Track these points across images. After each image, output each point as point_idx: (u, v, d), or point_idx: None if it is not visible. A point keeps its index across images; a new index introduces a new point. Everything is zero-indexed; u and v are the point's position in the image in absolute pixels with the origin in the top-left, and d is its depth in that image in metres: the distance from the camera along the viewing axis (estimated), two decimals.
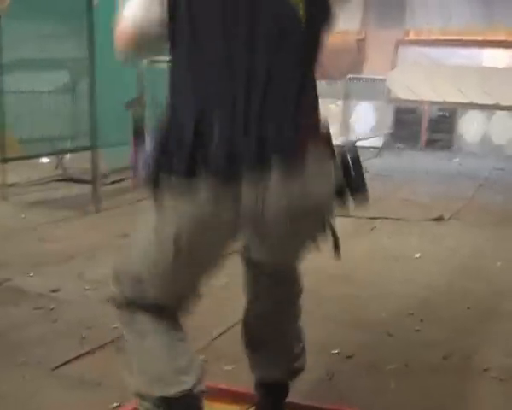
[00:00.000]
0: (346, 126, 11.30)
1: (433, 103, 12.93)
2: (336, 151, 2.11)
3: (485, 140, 13.43)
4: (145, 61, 6.35)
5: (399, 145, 13.70)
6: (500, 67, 11.96)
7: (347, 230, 6.15)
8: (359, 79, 14.87)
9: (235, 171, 1.84)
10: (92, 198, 7.02)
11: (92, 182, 7.08)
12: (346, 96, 11.35)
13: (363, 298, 4.28)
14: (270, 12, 1.90)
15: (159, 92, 6.38)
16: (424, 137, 14.05)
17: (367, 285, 4.56)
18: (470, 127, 13.58)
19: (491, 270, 4.96)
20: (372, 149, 12.36)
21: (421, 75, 11.75)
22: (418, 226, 6.35)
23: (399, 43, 12.75)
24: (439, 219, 6.53)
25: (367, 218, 6.55)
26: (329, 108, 14.12)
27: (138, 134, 1.82)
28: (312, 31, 1.97)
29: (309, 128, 1.96)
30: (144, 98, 6.16)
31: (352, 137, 11.82)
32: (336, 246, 2.17)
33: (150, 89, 6.61)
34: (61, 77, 9.29)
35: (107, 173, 7.82)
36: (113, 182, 8.10)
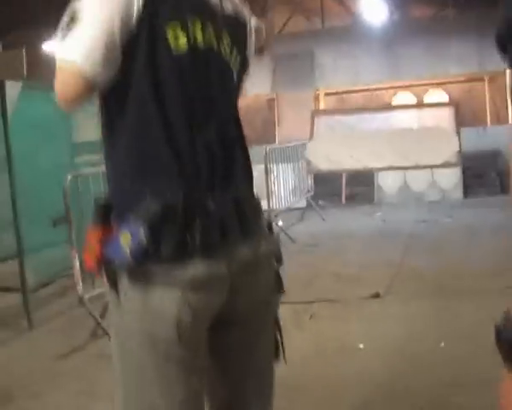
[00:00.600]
0: (268, 191, 11.30)
1: (353, 171, 13.15)
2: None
3: (405, 189, 13.70)
4: (69, 176, 6.24)
5: (321, 202, 13.82)
6: (412, 127, 12.26)
7: (286, 319, 6.16)
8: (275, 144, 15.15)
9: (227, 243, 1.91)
10: (24, 311, 6.83)
11: (22, 293, 6.88)
12: (267, 161, 11.38)
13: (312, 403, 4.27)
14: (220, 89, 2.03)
15: (85, 205, 6.38)
16: (344, 192, 14.25)
17: (316, 388, 4.56)
18: (388, 178, 13.88)
19: (435, 354, 5.00)
20: (295, 210, 12.48)
21: (338, 143, 11.96)
22: (355, 308, 6.38)
23: (315, 113, 12.96)
24: (376, 296, 6.59)
25: (304, 303, 6.59)
26: None
27: (104, 215, 1.70)
28: (238, 92, 2.18)
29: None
30: (71, 214, 6.03)
31: (276, 203, 11.91)
32: (281, 349, 2.22)
33: (76, 202, 6.49)
34: None
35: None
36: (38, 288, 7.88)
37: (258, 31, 2.67)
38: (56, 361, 5.52)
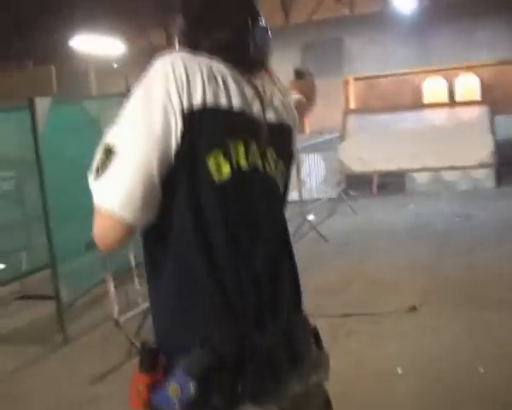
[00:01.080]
0: (299, 181, 11.25)
1: (386, 172, 13.02)
2: None
3: (436, 178, 13.52)
4: None
5: (352, 193, 13.74)
6: (445, 126, 12.05)
7: (323, 337, 6.11)
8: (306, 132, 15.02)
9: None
10: (58, 323, 6.84)
11: (56, 302, 6.89)
12: (298, 149, 11.31)
13: None
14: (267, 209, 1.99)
15: None
16: (376, 182, 14.11)
17: None
18: None
19: (475, 381, 4.92)
20: (326, 202, 12.40)
21: (370, 144, 11.81)
22: (393, 322, 6.30)
23: (347, 112, 12.81)
24: (412, 309, 6.51)
25: (340, 316, 6.54)
26: None
27: (152, 360, 1.65)
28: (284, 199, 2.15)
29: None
30: None
31: (307, 194, 11.85)
32: None
33: None
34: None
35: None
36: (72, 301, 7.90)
37: (298, 106, 2.61)
38: (92, 385, 5.52)
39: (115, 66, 14.30)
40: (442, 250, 8.85)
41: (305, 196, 11.60)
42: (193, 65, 1.85)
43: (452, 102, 14.72)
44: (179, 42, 2.02)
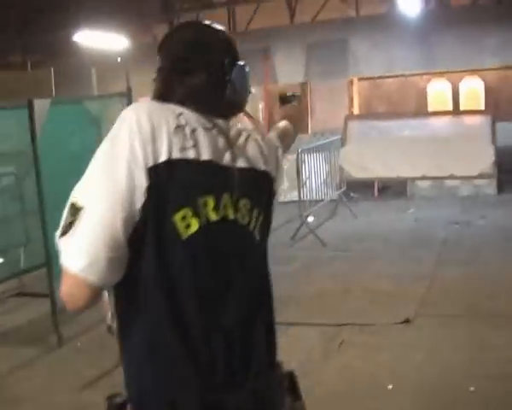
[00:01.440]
0: (298, 182, 11.23)
1: (386, 179, 12.98)
2: None
3: (438, 183, 13.46)
4: None
5: (353, 195, 13.71)
6: (448, 135, 11.97)
7: (315, 346, 6.12)
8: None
9: None
10: (52, 324, 6.84)
11: (51, 302, 6.88)
12: (298, 151, 11.28)
13: None
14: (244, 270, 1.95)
15: None
16: (377, 185, 14.07)
17: None
18: None
19: (464, 399, 4.91)
20: (327, 204, 12.38)
21: (371, 151, 11.75)
22: (386, 334, 6.29)
23: (348, 118, 12.76)
24: (406, 321, 6.49)
25: (334, 325, 6.53)
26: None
27: None
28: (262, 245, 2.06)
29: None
30: None
31: (307, 195, 11.82)
32: None
33: None
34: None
35: None
36: None
37: (284, 135, 2.57)
38: (84, 391, 5.51)
39: (119, 59, 14.24)
40: (441, 259, 8.82)
41: (305, 196, 11.58)
42: (159, 117, 1.83)
43: (455, 111, 14.63)
44: (154, 87, 1.99)
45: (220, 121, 1.95)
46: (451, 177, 11.94)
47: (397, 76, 16.11)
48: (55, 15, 14.84)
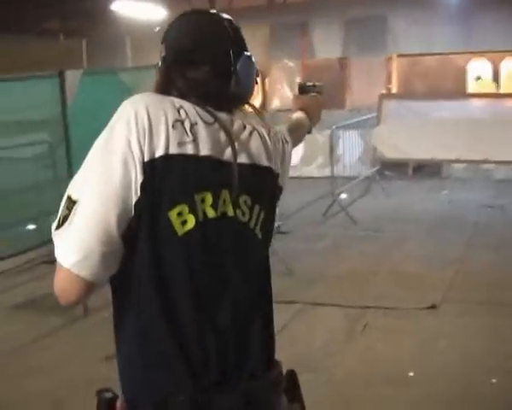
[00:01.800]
0: (331, 158, 11.17)
1: (419, 161, 12.82)
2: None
3: (473, 165, 13.27)
4: None
5: (387, 173, 13.61)
6: (486, 117, 11.74)
7: (338, 328, 6.09)
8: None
9: None
10: None
11: None
12: (333, 126, 11.21)
13: None
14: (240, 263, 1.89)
15: None
16: (412, 164, 13.91)
17: None
18: None
19: (484, 391, 4.85)
20: (360, 182, 12.31)
21: (406, 131, 11.57)
22: (411, 319, 6.24)
23: (383, 97, 12.59)
24: (432, 307, 6.43)
25: (359, 307, 6.50)
26: (316, 139, 14.09)
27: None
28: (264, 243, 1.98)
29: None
30: None
31: (340, 169, 11.76)
32: None
33: None
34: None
35: None
36: None
37: (296, 128, 2.49)
38: (103, 364, 5.54)
39: (157, 30, 14.20)
40: (471, 243, 8.72)
41: (339, 173, 11.52)
42: (157, 111, 1.78)
43: (495, 94, 14.34)
44: (156, 78, 1.94)
45: (223, 115, 1.89)
46: (487, 161, 11.75)
47: (436, 54, 15.85)
48: None
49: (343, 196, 11.60)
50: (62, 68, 6.34)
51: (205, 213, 1.79)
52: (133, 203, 1.72)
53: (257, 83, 2.07)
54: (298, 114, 2.58)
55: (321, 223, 10.03)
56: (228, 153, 1.84)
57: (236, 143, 1.87)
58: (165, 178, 1.75)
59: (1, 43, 13.17)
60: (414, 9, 15.00)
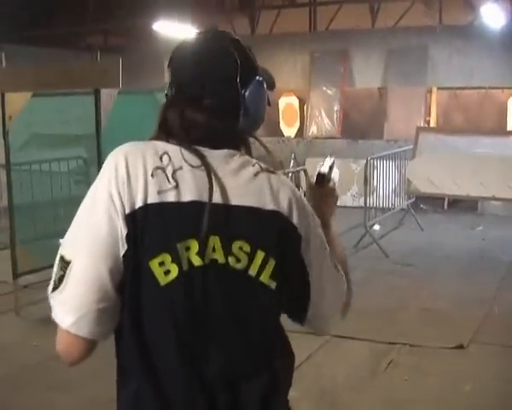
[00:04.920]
0: (365, 188, 11.07)
1: (454, 196, 12.65)
2: None
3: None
4: None
5: (423, 206, 13.49)
6: None
7: (362, 363, 5.99)
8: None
9: None
10: None
11: None
12: (368, 156, 11.13)
13: None
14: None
15: None
16: (447, 197, 13.73)
17: None
18: None
19: None
20: (395, 212, 12.19)
21: (441, 166, 11.42)
22: (437, 359, 6.11)
23: (420, 130, 12.46)
24: (459, 347, 6.29)
25: (385, 343, 6.39)
26: (351, 168, 14.02)
27: None
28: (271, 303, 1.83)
29: None
30: None
31: (375, 200, 11.64)
32: None
33: None
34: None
35: None
36: None
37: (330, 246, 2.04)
38: None
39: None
40: (504, 284, 8.54)
41: (373, 204, 11.42)
42: (136, 160, 1.73)
43: None
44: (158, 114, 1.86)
45: (219, 153, 1.80)
46: None
47: (476, 88, 15.69)
48: (135, 2, 15.03)
49: (376, 227, 11.49)
50: (98, 86, 6.35)
51: (190, 262, 1.71)
52: (121, 256, 1.70)
53: (267, 106, 1.95)
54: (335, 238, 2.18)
55: (352, 254, 9.91)
56: (217, 196, 1.74)
57: (229, 184, 1.76)
58: (145, 228, 1.70)
59: (39, 57, 13.38)
60: (456, 41, 14.88)
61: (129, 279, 1.71)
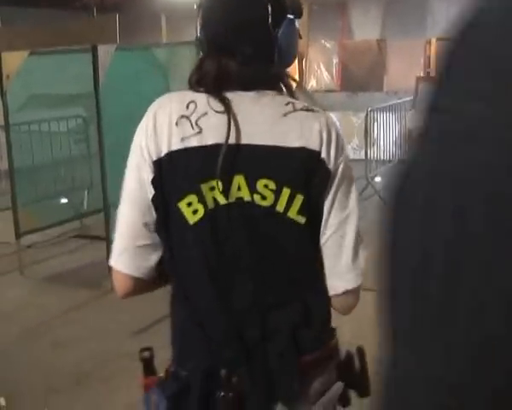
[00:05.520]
0: (366, 141, 11.07)
1: None
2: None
3: None
4: None
5: None
6: None
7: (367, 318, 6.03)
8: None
9: None
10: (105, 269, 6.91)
11: (107, 249, 6.99)
12: (367, 109, 11.11)
13: None
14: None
15: None
16: None
17: None
18: None
19: None
20: (396, 163, 12.17)
21: None
22: None
23: (420, 79, 12.43)
24: None
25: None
26: (351, 121, 14.00)
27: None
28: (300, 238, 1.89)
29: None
30: None
31: (375, 154, 11.64)
32: None
33: None
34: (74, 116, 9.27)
35: None
36: None
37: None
38: (130, 339, 5.55)
39: (195, 6, 14.11)
40: None
41: (374, 156, 11.40)
42: (164, 111, 1.85)
43: None
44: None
45: (248, 95, 1.85)
46: None
47: None
48: None
49: (378, 179, 11.49)
50: (95, 42, 6.32)
51: (216, 201, 1.80)
52: (150, 199, 1.85)
53: (300, 37, 2.03)
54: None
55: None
56: (239, 137, 1.81)
57: (254, 125, 1.82)
58: (171, 173, 1.82)
59: (37, 18, 13.30)
60: None
61: (161, 221, 1.86)
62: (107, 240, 6.79)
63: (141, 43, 10.58)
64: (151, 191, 1.84)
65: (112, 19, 6.27)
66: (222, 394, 1.81)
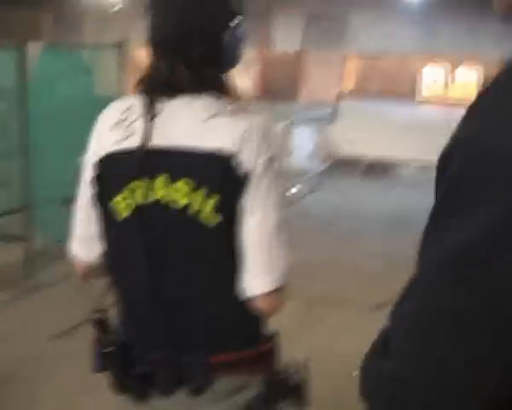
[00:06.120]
0: (285, 151, 11.19)
1: (373, 159, 12.92)
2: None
3: (425, 166, 13.42)
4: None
5: (340, 170, 13.69)
6: (437, 123, 11.92)
7: (287, 327, 6.09)
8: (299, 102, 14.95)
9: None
10: (23, 270, 6.82)
11: (26, 249, 6.87)
12: (286, 119, 11.26)
13: None
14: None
15: None
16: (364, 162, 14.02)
17: None
18: None
19: None
20: (313, 175, 12.36)
21: (361, 129, 11.66)
22: (356, 317, 6.30)
23: (341, 94, 12.68)
24: (378, 307, 6.46)
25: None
26: None
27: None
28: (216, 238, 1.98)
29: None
30: None
31: (293, 165, 11.77)
32: None
33: None
34: None
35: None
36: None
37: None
38: (53, 341, 5.47)
39: (116, 8, 14.00)
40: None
41: (291, 167, 11.53)
42: (105, 117, 2.06)
43: (446, 101, 14.56)
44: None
45: (180, 100, 1.95)
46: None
47: (392, 55, 15.98)
48: None
49: (294, 190, 11.62)
50: (22, 39, 6.21)
51: (137, 201, 1.96)
52: (90, 197, 2.07)
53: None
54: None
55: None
56: (160, 139, 1.94)
57: (176, 127, 1.93)
58: (106, 173, 2.02)
59: None
60: (375, 8, 15.11)
61: (100, 216, 2.06)
62: (28, 240, 6.68)
63: (68, 42, 10.43)
64: (91, 190, 2.04)
65: (38, 15, 6.17)
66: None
